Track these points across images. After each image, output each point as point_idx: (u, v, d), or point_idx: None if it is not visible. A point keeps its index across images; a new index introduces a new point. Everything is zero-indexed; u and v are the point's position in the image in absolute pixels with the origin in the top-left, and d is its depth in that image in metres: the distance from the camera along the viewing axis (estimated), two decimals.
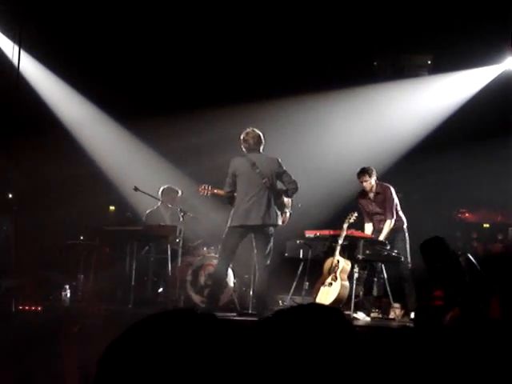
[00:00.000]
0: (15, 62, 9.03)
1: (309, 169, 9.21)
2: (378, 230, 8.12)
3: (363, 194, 8.25)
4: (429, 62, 11.14)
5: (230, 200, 7.37)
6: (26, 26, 9.03)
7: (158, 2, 9.79)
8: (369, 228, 8.24)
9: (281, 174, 7.34)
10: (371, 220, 8.26)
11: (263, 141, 7.39)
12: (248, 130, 7.42)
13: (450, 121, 10.36)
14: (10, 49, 9.51)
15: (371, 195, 8.18)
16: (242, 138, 7.39)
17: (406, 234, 8.12)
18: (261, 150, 7.38)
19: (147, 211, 9.14)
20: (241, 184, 7.23)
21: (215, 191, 7.77)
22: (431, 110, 10.53)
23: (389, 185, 8.22)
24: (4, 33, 9.95)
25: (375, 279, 8.01)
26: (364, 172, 8.12)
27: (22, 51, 9.08)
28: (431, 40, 10.22)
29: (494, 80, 10.32)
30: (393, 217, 8.02)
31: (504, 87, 9.64)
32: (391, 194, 8.12)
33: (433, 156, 10.15)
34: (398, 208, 8.20)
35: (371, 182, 8.10)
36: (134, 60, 10.46)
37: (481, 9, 9.32)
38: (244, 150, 7.39)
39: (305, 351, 1.31)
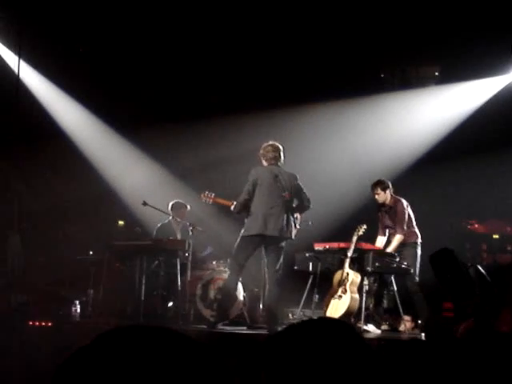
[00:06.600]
0: (16, 71, 9.04)
1: (317, 180, 9.19)
2: (389, 243, 8.11)
3: (380, 206, 8.24)
4: (436, 74, 11.13)
5: (241, 208, 7.23)
6: (26, 35, 9.03)
7: (163, 9, 9.66)
8: (380, 241, 8.21)
9: (299, 190, 7.36)
10: (384, 233, 8.24)
11: (282, 155, 7.38)
12: (270, 142, 7.39)
13: (457, 131, 10.33)
14: (11, 59, 9.52)
15: (385, 208, 8.18)
16: (262, 149, 7.37)
17: (418, 250, 8.02)
18: (279, 164, 7.39)
19: (158, 225, 9.14)
20: (261, 194, 7.17)
21: (217, 200, 7.72)
22: (438, 120, 10.50)
23: (402, 199, 8.17)
24: (4, 44, 9.82)
25: (385, 292, 7.99)
26: (377, 185, 8.13)
27: (23, 62, 9.11)
28: (438, 52, 10.23)
29: (501, 90, 10.32)
30: (403, 231, 7.96)
31: (511, 97, 9.63)
32: (403, 208, 8.07)
33: (441, 167, 10.13)
34: (413, 223, 8.17)
35: (384, 195, 8.10)
36: (141, 75, 10.47)
37: (487, 20, 9.33)
38: (264, 162, 7.36)
39: (316, 365, 1.32)
